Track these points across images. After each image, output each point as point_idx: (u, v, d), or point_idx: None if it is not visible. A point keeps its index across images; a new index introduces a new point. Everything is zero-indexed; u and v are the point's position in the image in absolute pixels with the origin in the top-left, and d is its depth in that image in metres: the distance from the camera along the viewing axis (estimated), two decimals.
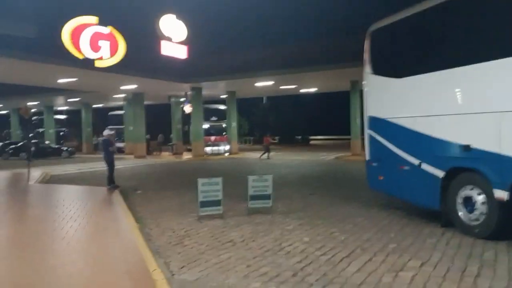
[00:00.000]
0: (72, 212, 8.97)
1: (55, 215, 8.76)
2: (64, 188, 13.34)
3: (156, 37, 20.90)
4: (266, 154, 25.67)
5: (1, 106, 40.07)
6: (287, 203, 9.89)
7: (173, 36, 20.68)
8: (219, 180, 8.48)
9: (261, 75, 24.08)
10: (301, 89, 30.74)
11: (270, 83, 25.96)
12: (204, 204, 8.30)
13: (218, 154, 29.49)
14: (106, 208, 9.85)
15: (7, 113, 45.34)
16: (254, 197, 8.62)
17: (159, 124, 36.79)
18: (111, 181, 12.34)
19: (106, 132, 12.43)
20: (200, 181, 8.34)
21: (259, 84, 26.20)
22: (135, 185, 14.13)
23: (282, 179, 15.22)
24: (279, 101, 57.29)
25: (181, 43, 21.12)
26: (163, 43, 20.36)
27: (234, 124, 30.82)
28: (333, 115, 61.53)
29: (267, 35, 24.71)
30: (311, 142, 53.68)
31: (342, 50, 21.61)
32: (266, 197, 8.66)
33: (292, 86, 28.58)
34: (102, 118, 46.15)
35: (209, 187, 8.37)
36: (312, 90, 31.84)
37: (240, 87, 28.75)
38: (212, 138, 29.79)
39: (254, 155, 29.36)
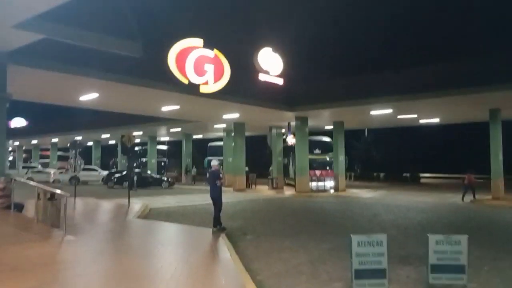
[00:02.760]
0: (170, 267, 6.69)
1: (148, 269, 6.57)
2: (164, 227, 11.42)
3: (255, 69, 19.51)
4: (467, 195, 21.20)
5: (108, 136, 41.63)
6: (483, 276, 6.62)
7: (271, 69, 19.77)
8: (382, 238, 5.63)
9: (378, 102, 20.91)
10: (421, 119, 26.76)
11: (388, 111, 22.62)
12: (361, 274, 5.47)
13: (323, 190, 26.48)
14: (213, 263, 7.47)
15: (115, 143, 47.42)
16: (438, 268, 5.58)
17: (253, 156, 34.95)
18: (217, 222, 10.09)
19: (214, 163, 10.35)
20: (355, 239, 5.56)
21: (375, 112, 22.99)
22: (242, 227, 11.79)
23: (427, 229, 11.80)
24: (381, 134, 52.96)
25: (279, 75, 19.99)
26: (261, 76, 19.42)
27: (342, 158, 27.70)
28: (451, 150, 55.37)
29: (386, 56, 21.69)
30: (422, 180, 47.92)
31: (479, 72, 17.85)
32: (458, 269, 5.56)
33: (412, 116, 24.83)
34: (202, 149, 46.04)
35: (368, 249, 5.54)
36: (434, 120, 27.62)
37: (350, 116, 25.76)
38: (318, 172, 26.91)
39: (363, 193, 25.83)
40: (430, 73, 19.34)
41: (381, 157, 53.09)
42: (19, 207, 11.63)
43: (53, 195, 10.29)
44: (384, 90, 20.15)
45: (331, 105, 22.21)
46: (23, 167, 45.37)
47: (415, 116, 24.94)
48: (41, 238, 8.81)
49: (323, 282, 6.29)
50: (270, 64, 19.96)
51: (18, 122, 52.56)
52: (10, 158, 62.31)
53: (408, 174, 47.70)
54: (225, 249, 8.29)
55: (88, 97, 18.21)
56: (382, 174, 49.10)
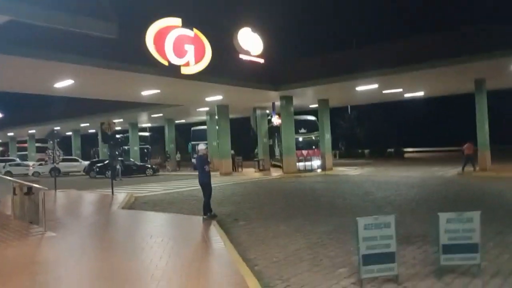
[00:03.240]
0: (161, 262, 6.19)
1: (136, 266, 6.06)
2: (151, 217, 10.88)
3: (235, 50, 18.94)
4: (467, 167, 20.74)
5: (87, 125, 40.45)
6: (491, 253, 6.29)
7: (251, 49, 19.57)
8: (390, 219, 5.20)
9: (363, 77, 20.49)
10: (406, 93, 26.51)
11: (374, 86, 22.27)
12: (368, 259, 5.06)
13: (311, 170, 26.19)
14: (207, 255, 7.00)
15: (95, 131, 46.15)
16: (450, 248, 5.20)
17: (238, 139, 34.30)
18: (207, 209, 9.59)
19: (201, 147, 9.76)
20: (362, 222, 5.12)
21: (360, 88, 22.60)
22: (233, 212, 11.34)
23: (421, 205, 11.58)
24: (364, 111, 52.92)
25: (259, 55, 19.84)
26: (242, 56, 19.29)
27: (328, 136, 27.40)
28: (435, 124, 55.77)
29: (369, 31, 21.18)
30: (406, 155, 48.18)
31: (464, 43, 17.55)
32: (471, 248, 5.20)
33: (397, 90, 24.54)
34: (185, 134, 45.25)
35: (374, 232, 5.13)
36: (419, 94, 27.43)
37: (335, 93, 25.36)
38: (305, 152, 26.57)
39: (350, 171, 25.66)
40: (414, 45, 18.98)
41: (365, 134, 53.23)
42: None
43: (30, 189, 9.63)
44: (369, 64, 19.72)
45: (316, 83, 21.73)
46: (0, 161, 43.89)
47: (400, 90, 24.69)
48: (19, 236, 8.19)
49: (327, 268, 5.88)
50: (250, 44, 19.69)
51: None
52: None
53: (392, 150, 47.93)
54: (218, 238, 7.82)
55: (63, 84, 17.28)
56: (366, 151, 49.19)
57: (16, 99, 51.80)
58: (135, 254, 6.77)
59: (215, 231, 8.49)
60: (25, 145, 53.66)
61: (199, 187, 17.70)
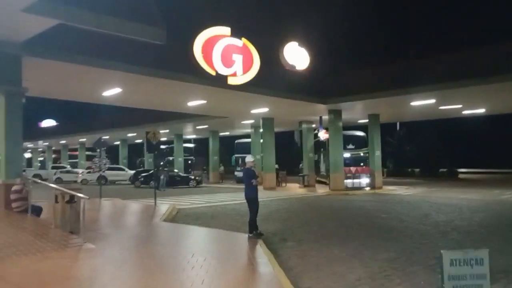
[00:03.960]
0: (203, 286, 5.48)
1: (177, 286, 5.39)
2: (193, 232, 10.26)
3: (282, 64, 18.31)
4: None
5: (134, 135, 41.12)
6: None
7: (297, 64, 18.76)
8: (482, 255, 4.22)
9: (419, 92, 19.17)
10: (465, 110, 24.75)
11: (431, 101, 20.84)
12: None
13: (359, 188, 24.89)
14: (254, 280, 6.22)
15: (142, 141, 46.98)
16: None
17: (281, 153, 33.42)
18: (253, 227, 8.84)
19: (248, 159, 9.08)
20: (448, 256, 4.18)
21: (415, 103, 21.24)
22: (280, 230, 10.52)
23: (492, 232, 10.25)
24: (414, 128, 50.53)
25: (304, 71, 19.03)
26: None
27: (378, 153, 26.02)
28: (492, 144, 52.49)
29: (426, 41, 19.97)
30: (460, 175, 45.34)
31: None
32: None
33: (456, 106, 22.93)
34: (228, 146, 45.05)
35: (462, 270, 4.16)
36: (479, 111, 25.55)
37: (386, 108, 24.06)
38: (353, 169, 25.32)
39: (401, 191, 24.13)
40: (479, 57, 17.51)
41: (414, 152, 50.66)
42: (37, 211, 10.72)
43: (72, 197, 9.30)
44: (426, 78, 18.45)
45: (367, 96, 20.60)
46: (52, 167, 45.52)
47: (459, 106, 23.03)
48: (57, 247, 7.78)
49: None
50: (296, 59, 18.93)
51: (48, 123, 53.06)
52: (41, 158, 63.14)
53: (445, 170, 45.25)
54: (265, 260, 7.04)
55: (111, 92, 17.30)
56: (416, 170, 46.80)
57: (69, 108, 54.04)
58: (175, 274, 6.11)
59: (261, 252, 7.71)
60: (76, 153, 55.56)
61: (243, 201, 17.15)
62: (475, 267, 4.19)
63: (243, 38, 16.79)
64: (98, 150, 19.34)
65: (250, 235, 8.80)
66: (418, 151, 50.07)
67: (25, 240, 8.15)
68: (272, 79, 18.49)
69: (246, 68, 16.87)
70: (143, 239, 9.28)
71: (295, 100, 20.64)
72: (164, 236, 9.84)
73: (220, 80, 16.08)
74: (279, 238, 9.47)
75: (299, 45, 19.08)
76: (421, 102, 21.02)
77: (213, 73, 15.77)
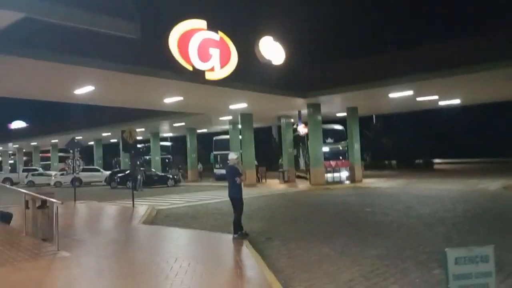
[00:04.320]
0: None
1: None
2: (174, 234, 9.82)
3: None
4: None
5: (109, 135, 40.06)
6: None
7: (273, 58, 18.51)
8: (487, 251, 4.00)
9: (397, 83, 19.18)
10: (441, 100, 24.96)
11: (409, 93, 20.90)
12: None
13: (339, 182, 24.84)
14: (244, 283, 5.89)
15: (117, 141, 45.87)
16: None
17: (259, 149, 33.06)
18: (238, 227, 8.49)
19: (232, 156, 8.69)
20: (452, 254, 3.92)
21: (394, 95, 21.26)
22: (265, 229, 10.22)
23: (477, 222, 10.20)
24: (390, 120, 51.13)
25: (281, 65, 18.86)
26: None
27: (357, 146, 26.06)
28: (464, 134, 53.63)
29: (403, 32, 20.00)
30: (435, 166, 46.14)
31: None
32: None
33: (432, 97, 23.10)
34: (206, 144, 44.46)
35: (467, 268, 3.93)
36: (455, 101, 25.84)
37: (365, 101, 24.07)
38: (333, 163, 25.25)
39: (381, 183, 24.21)
40: (455, 48, 17.60)
41: (391, 145, 51.29)
42: (7, 218, 10.08)
43: (44, 202, 8.74)
44: (403, 69, 18.49)
45: (347, 89, 20.51)
46: (23, 170, 43.93)
47: (436, 97, 23.21)
48: (28, 256, 7.24)
49: None
50: (272, 54, 18.60)
51: (18, 124, 51.15)
52: (11, 161, 60.93)
53: (421, 161, 45.97)
54: (253, 262, 6.71)
55: (83, 90, 16.58)
56: (393, 162, 47.40)
57: (40, 108, 52.34)
58: (158, 283, 5.70)
59: (248, 253, 7.38)
60: (48, 154, 53.85)
61: (223, 199, 16.75)
62: (480, 265, 3.97)
63: (219, 32, 16.36)
64: (71, 151, 18.58)
65: (235, 235, 8.44)
66: (394, 144, 50.72)
67: None
68: (250, 73, 18.13)
69: (224, 63, 16.46)
70: (121, 244, 8.80)
71: (274, 95, 20.37)
72: (144, 240, 9.37)
73: (197, 75, 15.64)
74: (265, 237, 9.15)
75: (274, 39, 18.83)
76: (399, 94, 21.07)
77: (190, 68, 15.30)
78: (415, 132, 50.65)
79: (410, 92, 20.77)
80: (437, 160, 49.01)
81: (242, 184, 8.66)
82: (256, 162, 28.44)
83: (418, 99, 23.06)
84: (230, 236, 8.68)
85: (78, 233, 10.04)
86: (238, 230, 8.50)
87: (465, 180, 24.25)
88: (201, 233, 9.80)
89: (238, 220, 8.50)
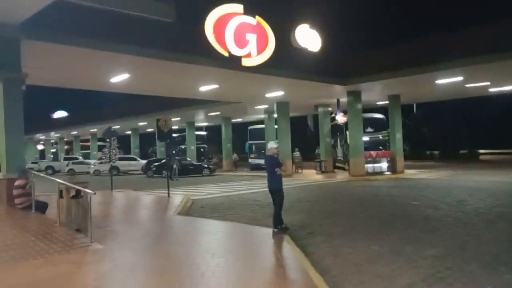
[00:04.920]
0: None
1: None
2: (211, 227, 9.36)
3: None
4: None
5: (145, 124, 40.36)
6: None
7: (309, 46, 17.57)
8: None
9: (446, 68, 17.86)
10: (492, 87, 23.30)
11: (458, 79, 19.52)
12: None
13: (380, 173, 23.79)
14: (288, 287, 5.31)
15: (153, 130, 46.30)
16: None
17: (296, 138, 32.24)
18: (278, 221, 7.90)
19: (271, 145, 8.09)
20: None
21: (441, 81, 19.94)
22: (305, 223, 9.59)
23: None
24: (432, 109, 48.83)
25: (319, 52, 17.86)
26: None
27: (399, 136, 24.86)
28: None
29: (450, 13, 18.64)
30: (481, 157, 43.82)
31: None
32: None
33: (483, 84, 21.54)
34: (241, 133, 44.09)
35: None
36: (507, 88, 24.05)
37: (409, 88, 22.79)
38: (374, 153, 24.20)
39: (424, 175, 23.03)
40: (506, 29, 16.11)
41: (432, 134, 49.10)
42: (42, 207, 9.93)
43: (78, 192, 8.46)
44: (452, 53, 17.16)
45: (390, 76, 19.35)
46: (65, 159, 45.20)
47: (487, 83, 21.62)
48: (60, 249, 6.95)
49: None
50: (308, 42, 17.66)
51: (60, 114, 52.69)
52: (53, 150, 63.01)
53: (465, 151, 43.79)
54: (296, 261, 6.12)
55: (119, 78, 16.39)
56: (435, 153, 45.42)
57: (80, 98, 53.60)
58: (193, 283, 5.21)
59: (290, 250, 6.80)
60: (88, 143, 55.21)
61: (259, 190, 16.25)
62: None
63: (257, 16, 15.69)
64: (108, 140, 18.55)
65: (275, 230, 7.85)
66: (436, 133, 48.54)
67: (26, 241, 7.35)
68: (288, 60, 17.40)
69: (261, 48, 15.79)
70: (156, 236, 8.42)
71: (312, 82, 19.51)
72: (179, 233, 8.95)
73: (233, 62, 15.06)
74: (307, 232, 8.53)
75: (310, 27, 18.07)
76: (447, 80, 19.71)
77: (226, 54, 14.74)
78: (459, 121, 48.21)
79: (459, 78, 19.38)
80: (482, 151, 46.58)
81: (282, 175, 8.03)
82: (298, 153, 27.92)
83: (468, 85, 21.56)
84: (269, 230, 8.11)
85: (113, 224, 9.77)
86: (278, 224, 7.91)
87: None
88: (239, 226, 9.28)
89: (278, 213, 7.90)
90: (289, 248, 6.93)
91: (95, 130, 46.76)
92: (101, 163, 35.95)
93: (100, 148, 50.46)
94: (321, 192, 16.71)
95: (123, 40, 12.54)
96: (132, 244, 7.59)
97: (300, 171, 28.46)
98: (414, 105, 48.44)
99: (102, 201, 14.69)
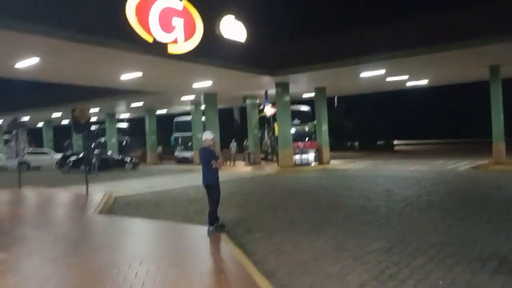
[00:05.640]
0: None
1: None
2: (137, 227, 8.43)
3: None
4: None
5: (60, 115, 37.17)
6: None
7: (234, 38, 17.15)
8: None
9: (371, 61, 18.36)
10: (410, 81, 24.53)
11: (381, 72, 20.18)
12: None
13: (307, 164, 24.04)
14: None
15: (69, 123, 42.85)
16: None
17: (223, 130, 31.66)
18: (214, 218, 7.25)
19: (206, 136, 7.34)
20: None
21: (365, 74, 20.49)
22: (241, 218, 9.06)
23: (466, 206, 9.48)
24: (351, 102, 50.93)
25: (248, 43, 17.65)
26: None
27: (325, 127, 25.30)
28: (421, 115, 54.56)
29: (376, 8, 19.17)
30: (395, 148, 46.70)
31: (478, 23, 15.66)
32: None
33: (402, 77, 22.55)
34: (166, 125, 42.44)
35: None
36: (422, 82, 25.46)
37: (334, 81, 23.21)
38: (301, 144, 24.38)
39: (348, 165, 23.72)
40: (434, 24, 16.88)
41: (352, 126, 51.35)
42: None
43: None
44: (376, 47, 17.66)
45: (318, 67, 19.47)
46: None
47: (405, 77, 22.70)
48: None
49: None
50: (234, 33, 17.17)
51: None
52: None
53: (382, 142, 46.43)
54: (237, 263, 5.53)
55: (27, 63, 14.51)
56: (355, 144, 47.61)
57: None
58: None
59: (229, 250, 6.20)
60: None
61: (189, 184, 15.44)
62: None
63: (183, 0, 14.76)
64: (14, 132, 16.49)
65: (211, 228, 7.20)
66: (355, 125, 50.83)
67: None
68: (216, 49, 16.69)
69: (188, 35, 14.91)
70: (73, 240, 7.34)
71: (241, 72, 18.99)
72: (101, 235, 7.93)
73: (158, 48, 14.03)
74: (244, 229, 7.98)
75: (235, 18, 17.59)
76: (371, 73, 20.31)
77: (151, 40, 13.65)
78: (376, 114, 50.88)
79: (382, 71, 20.05)
80: (396, 142, 49.76)
81: (219, 169, 7.38)
82: (234, 143, 27.46)
83: (388, 79, 22.45)
84: (203, 229, 7.44)
85: (21, 227, 8.46)
86: (214, 221, 7.26)
87: (430, 161, 24.18)
88: (169, 225, 8.47)
89: (214, 210, 7.24)
90: (227, 248, 6.33)
91: (1, 121, 42.22)
92: (7, 158, 32.47)
93: (7, 142, 45.81)
94: (252, 185, 16.30)
95: (32, 18, 10.97)
96: (43, 251, 6.50)
97: (232, 163, 27.93)
98: (336, 98, 50.12)
99: (8, 201, 12.99)
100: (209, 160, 7.14)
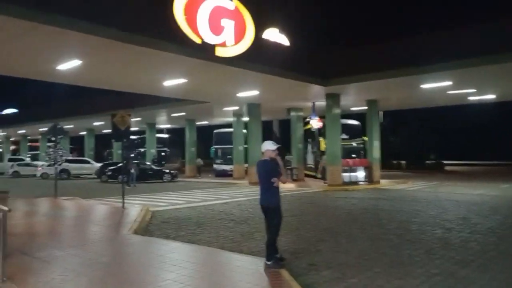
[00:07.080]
0: None
1: None
2: (177, 254, 7.06)
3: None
4: None
5: (102, 124, 37.09)
6: None
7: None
8: None
9: (435, 70, 16.42)
10: (476, 95, 22.23)
11: (447, 83, 18.18)
12: None
13: (356, 182, 22.21)
14: None
15: (110, 132, 42.80)
16: None
17: (259, 144, 30.09)
18: (273, 250, 5.80)
19: (267, 147, 5.92)
20: None
21: (427, 86, 18.58)
22: (298, 248, 7.55)
23: None
24: (399, 117, 48.38)
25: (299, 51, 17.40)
26: None
27: (376, 144, 23.44)
28: (479, 134, 51.24)
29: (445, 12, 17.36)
30: (446, 168, 43.65)
31: None
32: None
33: (469, 91, 20.38)
34: (205, 137, 41.66)
35: None
36: (489, 97, 23.06)
37: (390, 93, 21.37)
38: (351, 161, 22.61)
39: (402, 185, 21.75)
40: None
41: (400, 143, 48.69)
42: None
43: None
44: (443, 55, 15.78)
45: (375, 77, 17.69)
46: (9, 160, 40.96)
47: (473, 90, 20.47)
48: None
49: None
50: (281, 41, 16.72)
51: (9, 111, 47.99)
52: None
53: (431, 162, 43.56)
54: None
55: (68, 65, 13.75)
56: (403, 162, 44.92)
57: (29, 94, 49.35)
58: None
59: None
60: (38, 144, 50.81)
61: (229, 200, 14.15)
62: None
63: (235, 0, 13.64)
64: (54, 139, 15.83)
65: (268, 263, 5.75)
66: (402, 142, 48.17)
67: None
68: (264, 54, 15.45)
69: (239, 37, 13.73)
70: (102, 269, 6.08)
71: (291, 80, 17.55)
72: (136, 263, 6.60)
73: (206, 51, 12.91)
74: (306, 263, 6.47)
75: (280, 31, 16.47)
76: (435, 85, 18.35)
77: (199, 41, 12.57)
78: (424, 131, 48.05)
79: (448, 83, 18.04)
80: (445, 162, 46.61)
81: (279, 187, 5.94)
82: (291, 156, 26.09)
83: (451, 92, 20.35)
84: (258, 261, 6.01)
85: (45, 247, 7.31)
86: (273, 253, 5.81)
87: (492, 184, 21.80)
88: (215, 254, 7.06)
89: (274, 240, 5.81)
90: None
91: (45, 129, 42.78)
92: (49, 165, 32.52)
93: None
94: (300, 204, 14.75)
95: (74, 13, 10.11)
96: (64, 284, 5.24)
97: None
98: (381, 113, 47.81)
99: (40, 212, 12.09)
100: (270, 176, 5.72)
